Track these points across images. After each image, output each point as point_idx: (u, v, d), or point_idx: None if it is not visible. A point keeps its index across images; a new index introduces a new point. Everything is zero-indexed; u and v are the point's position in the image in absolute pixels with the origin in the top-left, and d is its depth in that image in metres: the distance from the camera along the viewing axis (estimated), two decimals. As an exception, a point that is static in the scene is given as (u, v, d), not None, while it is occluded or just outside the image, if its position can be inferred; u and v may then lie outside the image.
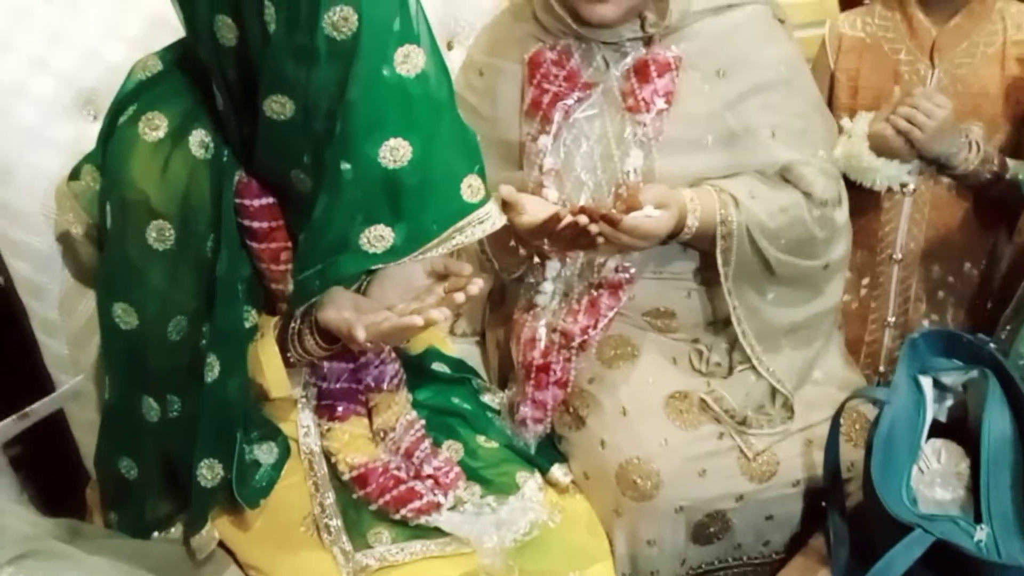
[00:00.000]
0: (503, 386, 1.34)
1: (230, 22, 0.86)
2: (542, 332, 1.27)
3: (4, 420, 0.70)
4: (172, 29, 1.13)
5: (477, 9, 1.51)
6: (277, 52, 0.85)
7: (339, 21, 0.83)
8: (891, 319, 1.48)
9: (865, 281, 1.50)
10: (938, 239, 1.45)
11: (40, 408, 0.72)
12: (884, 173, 1.38)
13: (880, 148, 1.36)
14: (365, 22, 0.84)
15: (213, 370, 0.99)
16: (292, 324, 1.00)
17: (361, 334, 0.90)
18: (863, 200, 1.43)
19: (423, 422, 1.16)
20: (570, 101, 1.22)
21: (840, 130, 1.42)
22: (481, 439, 1.19)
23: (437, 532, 1.06)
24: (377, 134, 0.87)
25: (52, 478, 1.28)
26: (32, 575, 0.88)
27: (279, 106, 0.88)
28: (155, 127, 0.94)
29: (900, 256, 1.46)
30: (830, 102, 1.47)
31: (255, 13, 0.84)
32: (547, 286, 1.29)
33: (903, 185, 1.42)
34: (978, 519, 0.96)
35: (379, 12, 0.85)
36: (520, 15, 1.28)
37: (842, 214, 1.31)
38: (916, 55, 1.41)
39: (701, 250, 1.25)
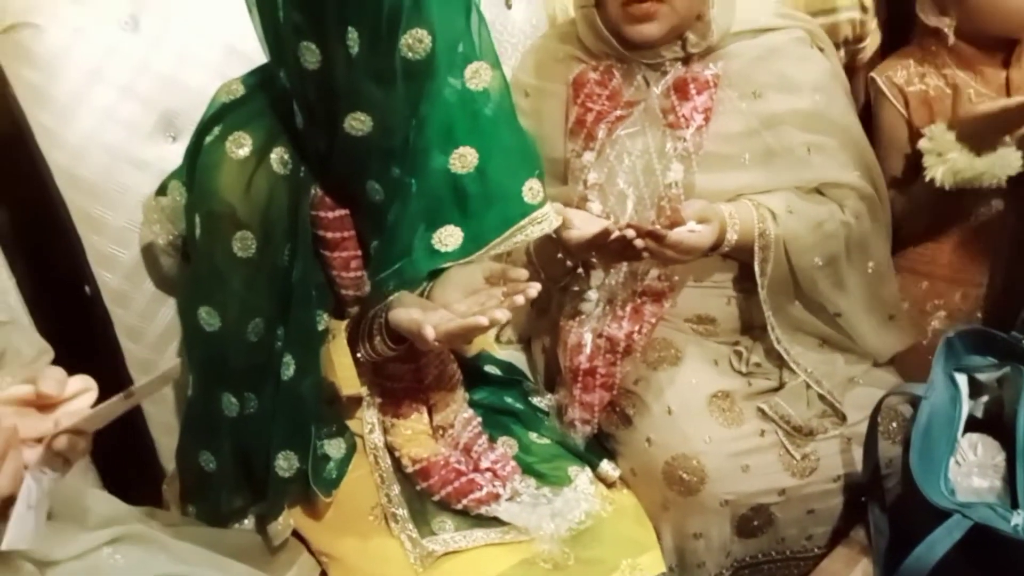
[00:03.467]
0: (550, 389, 1.40)
1: (314, 47, 0.94)
2: (588, 338, 1.33)
3: (111, 399, 0.77)
4: (243, 56, 1.24)
5: (520, 32, 1.60)
6: (358, 73, 0.93)
7: (414, 43, 0.91)
8: None
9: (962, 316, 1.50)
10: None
11: (143, 388, 0.78)
12: (999, 163, 1.34)
13: (974, 139, 1.33)
14: (438, 42, 0.92)
15: (289, 369, 1.06)
16: (363, 325, 1.07)
17: (430, 333, 0.97)
18: (960, 237, 1.46)
19: (479, 419, 1.22)
20: (612, 119, 1.29)
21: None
22: (534, 436, 1.25)
23: (496, 521, 1.12)
24: (447, 144, 0.95)
25: (131, 476, 1.36)
26: (127, 556, 0.96)
27: (359, 123, 0.96)
28: (241, 145, 1.02)
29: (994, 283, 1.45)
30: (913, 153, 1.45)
31: (338, 38, 0.91)
32: (592, 294, 1.34)
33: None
34: (1015, 506, 1.00)
35: (450, 33, 0.93)
36: (563, 37, 1.35)
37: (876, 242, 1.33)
38: (987, 91, 1.41)
39: (740, 260, 1.30)
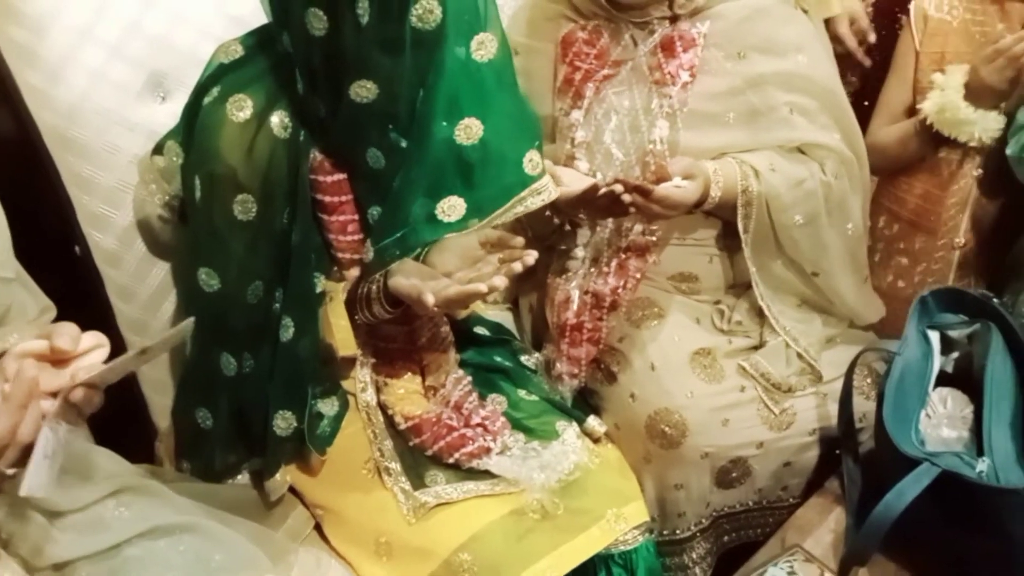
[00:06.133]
0: (538, 347, 1.43)
1: (321, 14, 0.94)
2: (575, 294, 1.36)
3: (125, 354, 0.80)
4: (234, 17, 1.24)
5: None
6: (366, 41, 0.94)
7: (425, 13, 0.92)
8: None
9: (921, 267, 1.54)
10: (1005, 224, 1.47)
11: (157, 345, 0.80)
12: (982, 125, 1.38)
13: (980, 96, 1.37)
14: (448, 13, 0.93)
15: (288, 330, 1.08)
16: (361, 289, 1.09)
17: (430, 299, 0.99)
18: (930, 183, 1.48)
19: (470, 378, 1.25)
20: (600, 78, 1.30)
21: (931, 85, 1.44)
22: (522, 393, 1.28)
23: (487, 474, 1.15)
24: (453, 114, 0.96)
25: (124, 433, 1.37)
26: (131, 507, 0.99)
27: (364, 90, 0.97)
28: (241, 108, 1.02)
29: (962, 242, 1.49)
30: (915, 81, 1.49)
31: (348, 6, 0.93)
32: (578, 252, 1.37)
33: (979, 152, 1.42)
34: (980, 454, 1.05)
35: (460, 3, 0.94)
36: None
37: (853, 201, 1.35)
38: (1006, 24, 1.41)
39: (723, 218, 1.33)
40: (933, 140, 1.45)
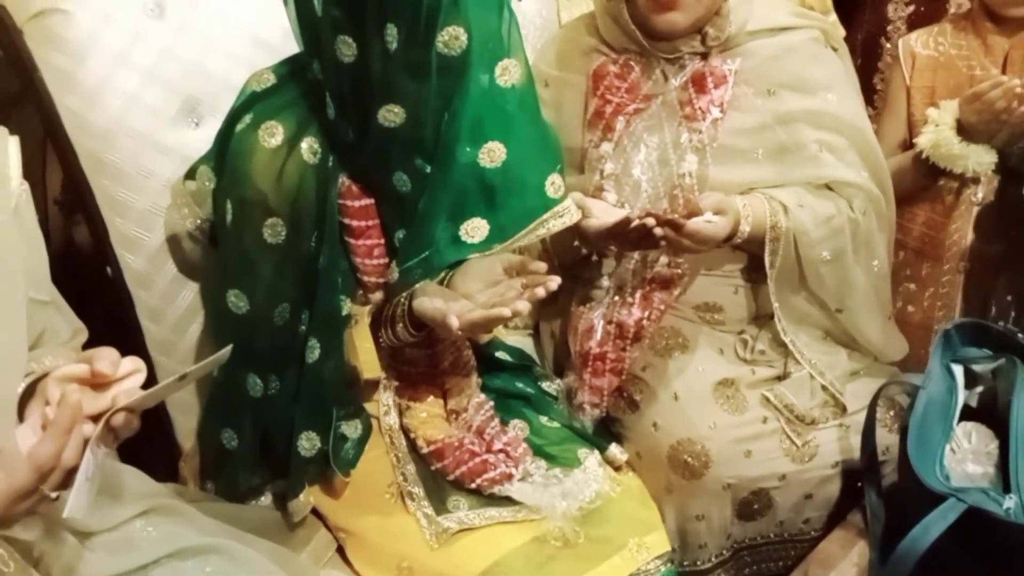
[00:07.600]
0: (559, 374, 1.44)
1: (350, 41, 0.97)
2: (598, 323, 1.37)
3: (166, 380, 0.82)
4: (267, 45, 1.26)
5: (529, 23, 1.62)
6: (394, 67, 0.96)
7: (451, 40, 0.95)
8: None
9: (929, 292, 1.56)
10: (1008, 247, 1.49)
11: (195, 371, 0.82)
12: (975, 159, 1.43)
13: (970, 131, 1.41)
14: (473, 40, 0.95)
15: (314, 352, 1.10)
16: (386, 311, 1.11)
17: (454, 323, 1.00)
18: (931, 211, 1.51)
19: (492, 403, 1.26)
20: (631, 111, 1.32)
21: (926, 121, 1.49)
22: (544, 419, 1.29)
23: (509, 500, 1.16)
24: (476, 138, 0.98)
25: (148, 452, 1.39)
26: (159, 528, 1.00)
27: (392, 115, 0.99)
28: (273, 134, 1.04)
29: (968, 265, 1.51)
30: (908, 115, 1.55)
31: (376, 33, 0.95)
32: (603, 281, 1.38)
33: (976, 182, 1.48)
34: (1007, 491, 1.05)
35: (485, 30, 0.96)
36: (584, 30, 1.38)
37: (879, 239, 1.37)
38: (990, 69, 1.47)
39: (749, 251, 1.34)
40: (931, 171, 1.50)
